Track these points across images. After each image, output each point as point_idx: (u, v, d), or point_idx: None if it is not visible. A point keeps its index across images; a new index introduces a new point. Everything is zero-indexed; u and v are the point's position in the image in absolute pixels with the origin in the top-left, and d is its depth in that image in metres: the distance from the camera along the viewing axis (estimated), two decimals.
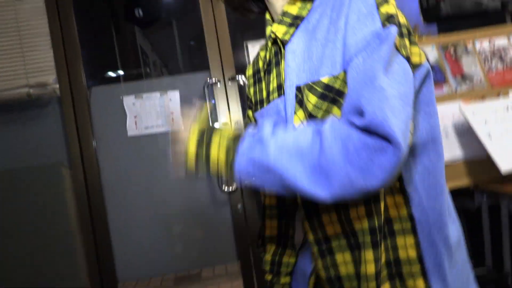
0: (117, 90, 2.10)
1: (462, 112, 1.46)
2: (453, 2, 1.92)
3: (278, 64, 0.77)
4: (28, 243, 1.96)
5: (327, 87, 0.66)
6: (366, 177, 0.53)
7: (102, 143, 2.07)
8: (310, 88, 0.67)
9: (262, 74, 0.85)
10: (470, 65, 1.60)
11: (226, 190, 2.03)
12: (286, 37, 0.73)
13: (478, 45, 1.63)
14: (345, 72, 0.63)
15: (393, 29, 0.60)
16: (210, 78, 2.09)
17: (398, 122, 0.53)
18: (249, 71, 0.91)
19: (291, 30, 0.73)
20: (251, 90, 0.89)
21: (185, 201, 2.14)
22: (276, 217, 0.91)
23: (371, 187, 0.54)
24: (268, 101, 0.81)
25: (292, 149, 0.58)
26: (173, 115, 2.10)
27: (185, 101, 2.10)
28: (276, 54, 0.78)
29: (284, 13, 0.75)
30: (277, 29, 0.74)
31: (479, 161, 1.51)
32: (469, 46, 1.63)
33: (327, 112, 0.67)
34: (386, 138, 0.52)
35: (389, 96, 0.55)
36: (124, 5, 3.10)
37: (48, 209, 1.99)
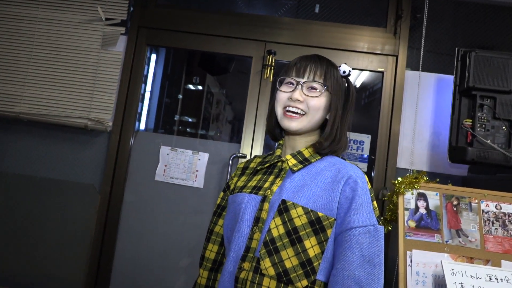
0: (158, 138, 2.39)
1: (442, 266, 1.48)
2: (481, 150, 1.95)
3: (277, 176, 1.04)
4: (41, 238, 2.28)
5: (318, 219, 0.94)
6: None
7: (131, 179, 2.35)
8: (296, 207, 0.95)
9: (248, 171, 1.14)
10: (469, 222, 1.62)
11: None
12: (295, 169, 1.02)
13: (483, 205, 1.65)
14: (334, 219, 0.95)
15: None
16: (239, 151, 2.30)
17: None
18: (241, 165, 1.20)
19: (300, 166, 1.03)
20: (235, 179, 1.15)
21: (187, 252, 2.31)
22: (208, 270, 1.11)
23: None
24: (241, 191, 1.06)
25: None
26: (197, 173, 2.33)
27: (212, 164, 2.33)
28: (280, 170, 1.05)
29: (299, 153, 1.05)
30: (291, 160, 1.04)
31: None
32: (474, 203, 1.65)
33: (307, 235, 0.93)
34: None
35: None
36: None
37: (71, 218, 2.29)
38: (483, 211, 1.65)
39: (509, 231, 1.62)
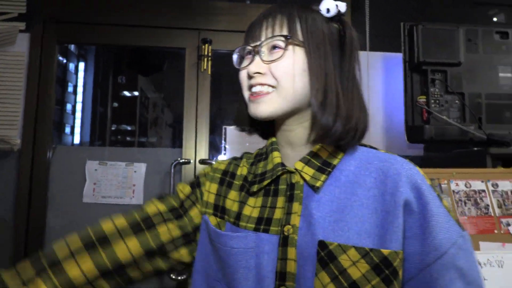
0: (82, 152, 2.01)
1: None
2: (438, 127, 1.85)
3: (291, 198, 0.66)
4: None
5: (386, 260, 0.58)
6: None
7: (54, 204, 1.96)
8: (346, 249, 0.59)
9: (236, 183, 0.74)
10: None
11: (174, 277, 1.88)
12: (318, 184, 0.65)
13: (453, 185, 1.53)
14: (402, 252, 0.60)
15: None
16: (182, 157, 2.00)
17: None
18: (221, 166, 0.79)
19: (322, 177, 0.66)
20: (213, 185, 0.75)
21: None
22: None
23: None
24: (237, 225, 0.68)
25: None
26: (134, 188, 2.00)
27: (151, 175, 2.01)
28: (291, 187, 0.67)
29: (314, 155, 0.68)
30: (304, 169, 0.67)
31: None
32: (444, 184, 1.53)
33: None
34: None
35: None
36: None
37: None
38: (453, 191, 1.53)
39: (482, 209, 1.51)
